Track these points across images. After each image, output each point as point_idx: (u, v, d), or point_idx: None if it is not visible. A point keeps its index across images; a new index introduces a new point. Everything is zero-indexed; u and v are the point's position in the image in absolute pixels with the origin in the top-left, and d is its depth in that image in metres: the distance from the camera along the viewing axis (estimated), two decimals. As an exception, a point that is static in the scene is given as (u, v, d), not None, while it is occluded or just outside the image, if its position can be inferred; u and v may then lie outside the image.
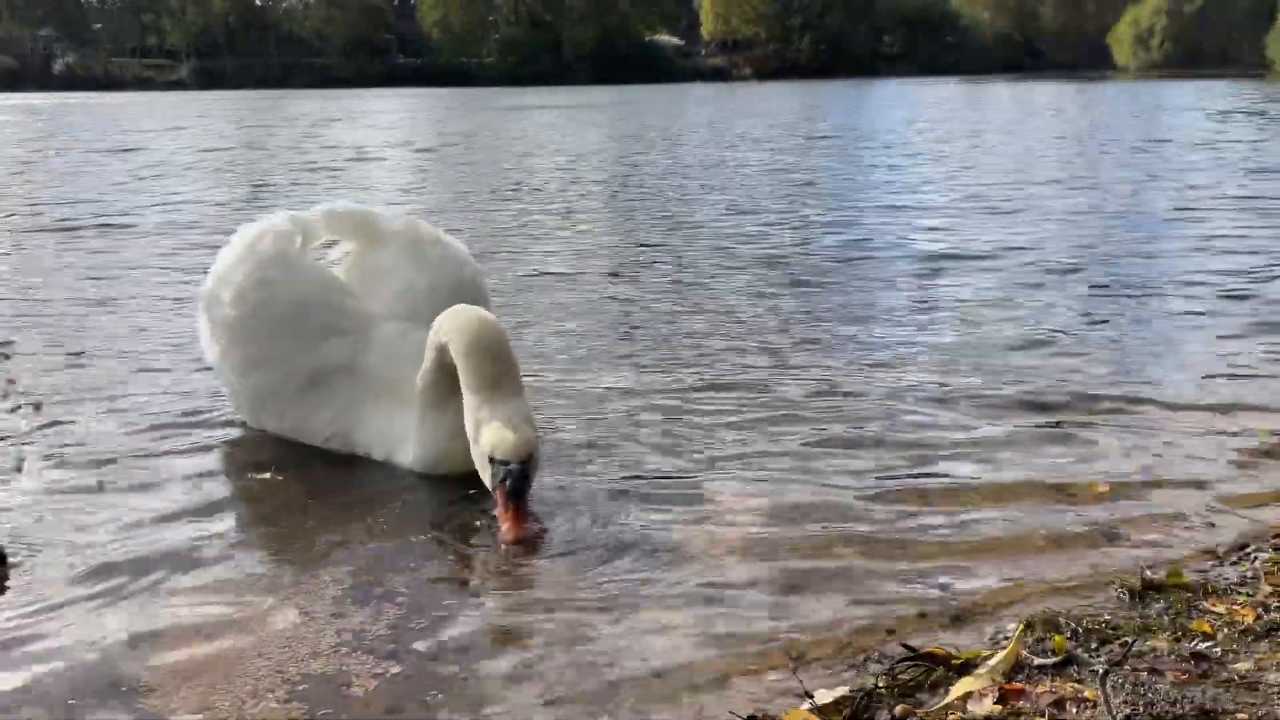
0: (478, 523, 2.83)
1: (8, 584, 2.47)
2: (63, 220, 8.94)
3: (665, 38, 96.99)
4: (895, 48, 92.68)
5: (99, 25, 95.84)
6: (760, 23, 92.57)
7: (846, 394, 3.87)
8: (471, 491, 2.96)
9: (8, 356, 4.53)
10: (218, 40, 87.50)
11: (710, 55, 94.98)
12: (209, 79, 79.16)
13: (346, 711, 1.95)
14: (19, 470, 3.19)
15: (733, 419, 3.59)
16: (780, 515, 2.81)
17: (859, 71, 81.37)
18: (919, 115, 25.59)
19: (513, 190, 11.07)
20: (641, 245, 7.40)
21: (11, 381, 4.15)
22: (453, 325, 2.96)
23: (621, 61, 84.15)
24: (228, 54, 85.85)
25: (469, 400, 2.88)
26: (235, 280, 3.44)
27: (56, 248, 7.60)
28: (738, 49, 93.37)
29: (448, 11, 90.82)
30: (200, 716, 1.94)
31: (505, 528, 2.71)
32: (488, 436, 2.78)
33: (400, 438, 3.20)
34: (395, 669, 2.09)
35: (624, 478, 3.07)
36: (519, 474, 2.75)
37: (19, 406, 3.83)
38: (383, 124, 26.41)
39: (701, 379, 4.07)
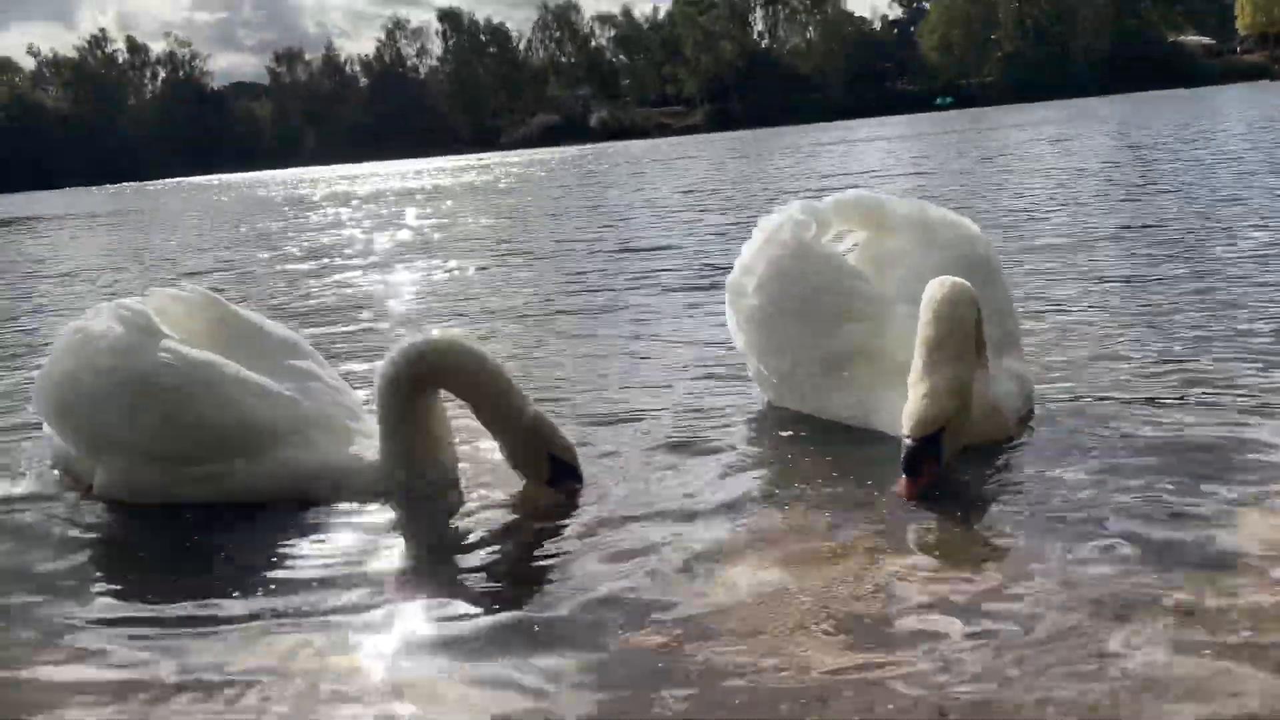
0: (986, 489, 2.81)
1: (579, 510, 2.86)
2: (594, 243, 10.11)
3: (1191, 38, 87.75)
4: None
5: (626, 81, 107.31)
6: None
7: None
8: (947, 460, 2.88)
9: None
10: (727, 84, 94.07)
11: (1246, 52, 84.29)
12: (720, 120, 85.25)
13: (887, 653, 1.98)
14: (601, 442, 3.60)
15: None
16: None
17: None
18: None
19: (1009, 213, 10.63)
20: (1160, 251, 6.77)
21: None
22: (926, 291, 3.00)
23: (1137, 67, 77.51)
24: (736, 96, 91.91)
25: (914, 361, 2.90)
26: (756, 270, 3.65)
27: (574, 265, 8.63)
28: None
29: (948, 33, 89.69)
30: (750, 642, 2.07)
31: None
32: (905, 406, 2.81)
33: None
34: (934, 616, 2.09)
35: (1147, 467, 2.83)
36: (910, 450, 2.74)
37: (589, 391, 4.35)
38: (878, 150, 26.62)
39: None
